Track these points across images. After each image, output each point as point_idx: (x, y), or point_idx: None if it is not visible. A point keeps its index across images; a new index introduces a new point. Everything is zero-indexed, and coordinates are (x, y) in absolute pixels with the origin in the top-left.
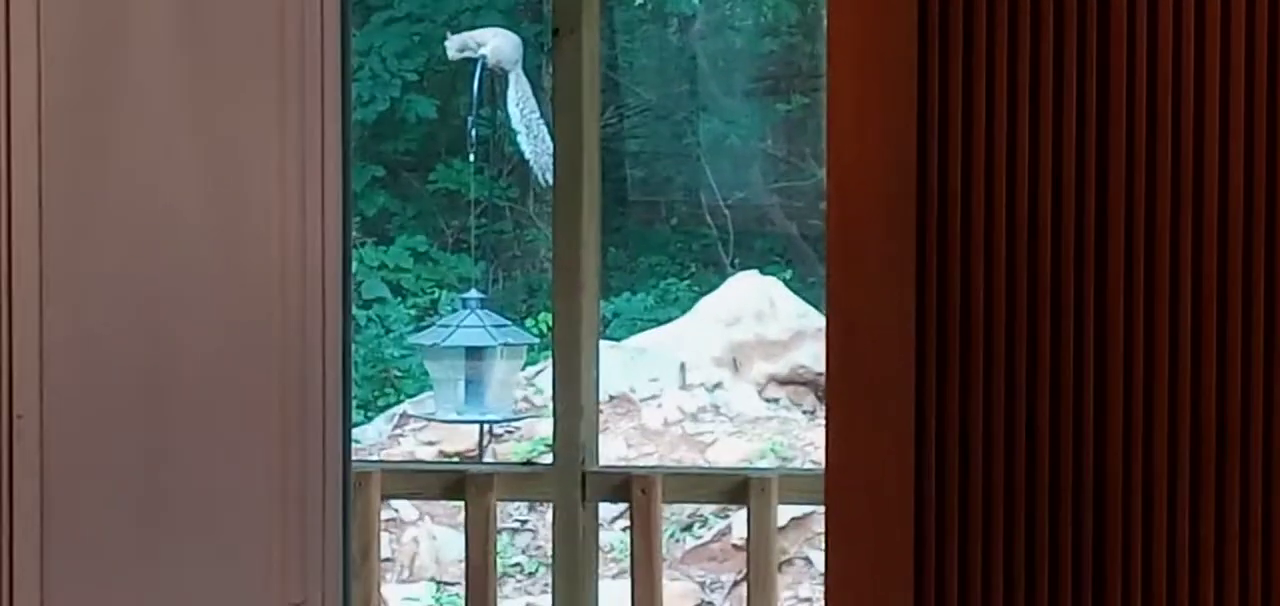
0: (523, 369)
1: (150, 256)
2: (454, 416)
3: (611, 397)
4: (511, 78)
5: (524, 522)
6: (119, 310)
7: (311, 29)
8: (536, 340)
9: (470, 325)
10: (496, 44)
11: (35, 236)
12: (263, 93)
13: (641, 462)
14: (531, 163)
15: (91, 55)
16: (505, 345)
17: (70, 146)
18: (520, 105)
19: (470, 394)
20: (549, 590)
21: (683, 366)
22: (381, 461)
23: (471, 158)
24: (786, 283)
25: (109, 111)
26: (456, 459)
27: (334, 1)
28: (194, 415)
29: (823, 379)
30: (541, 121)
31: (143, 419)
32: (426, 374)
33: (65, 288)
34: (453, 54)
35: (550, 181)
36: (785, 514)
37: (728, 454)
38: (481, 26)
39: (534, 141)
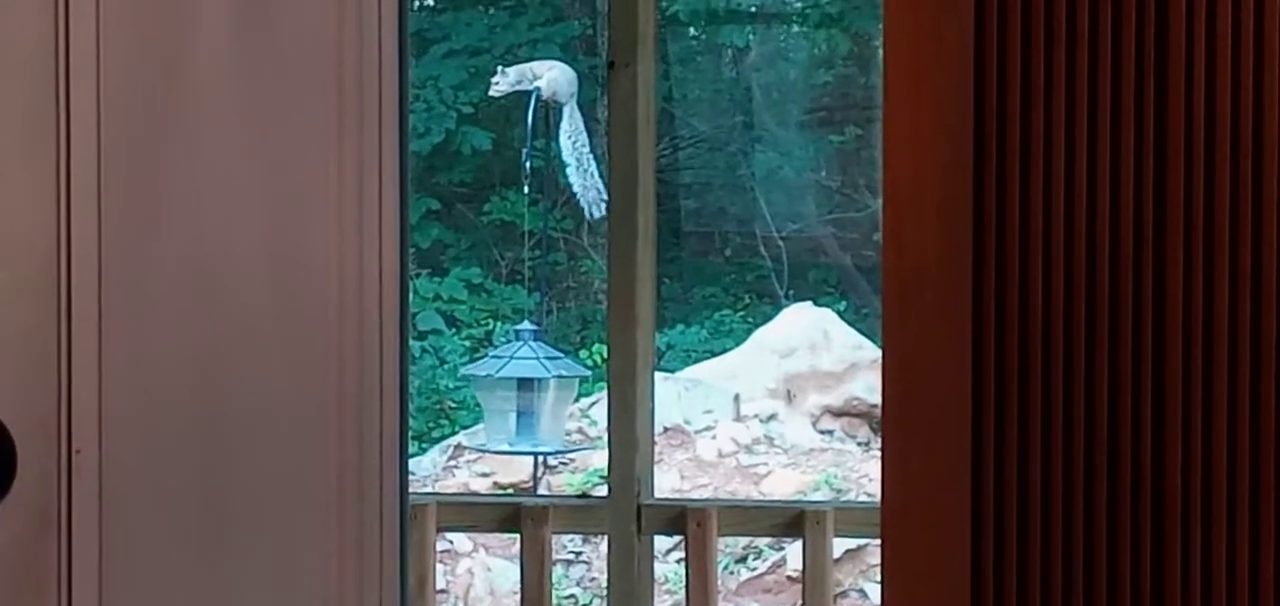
0: (576, 400)
1: (207, 290)
2: (505, 447)
3: (666, 429)
4: (566, 111)
5: (578, 554)
6: (176, 345)
7: (370, 60)
8: (590, 372)
9: (523, 356)
10: (552, 76)
11: (94, 273)
12: (321, 124)
13: (696, 494)
14: (580, 196)
15: (150, 88)
16: (558, 377)
17: (128, 182)
18: (572, 138)
19: (522, 425)
20: None
21: (737, 398)
22: (436, 493)
23: (526, 189)
24: (841, 314)
25: (167, 147)
26: (511, 490)
27: (392, 33)
28: (251, 447)
29: (877, 410)
30: (592, 156)
31: (199, 452)
32: (480, 405)
33: (123, 323)
34: (506, 87)
35: (598, 215)
36: (840, 546)
37: (782, 485)
38: (538, 59)
39: (583, 175)
